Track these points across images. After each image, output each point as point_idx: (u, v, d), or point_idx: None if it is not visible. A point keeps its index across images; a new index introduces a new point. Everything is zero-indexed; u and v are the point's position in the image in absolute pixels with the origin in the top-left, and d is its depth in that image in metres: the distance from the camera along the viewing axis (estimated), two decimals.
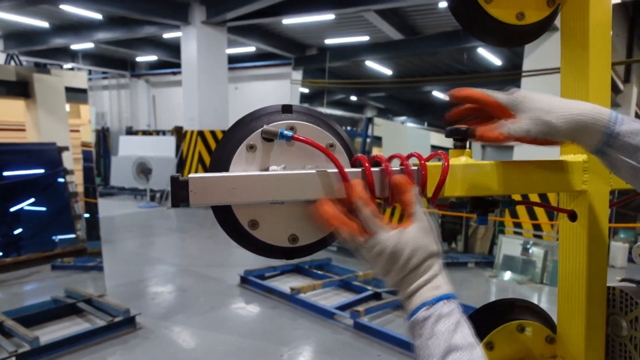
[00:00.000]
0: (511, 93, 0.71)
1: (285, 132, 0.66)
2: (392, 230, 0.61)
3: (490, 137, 0.70)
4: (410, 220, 0.62)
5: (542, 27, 0.84)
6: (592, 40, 0.79)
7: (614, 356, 0.82)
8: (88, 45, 14.01)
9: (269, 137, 0.67)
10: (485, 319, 0.86)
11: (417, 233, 0.61)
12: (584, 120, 0.66)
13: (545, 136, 0.68)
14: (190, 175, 0.64)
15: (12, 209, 3.82)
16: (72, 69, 15.21)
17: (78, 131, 4.24)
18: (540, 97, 0.69)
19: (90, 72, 17.37)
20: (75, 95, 4.24)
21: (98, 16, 11.42)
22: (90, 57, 16.42)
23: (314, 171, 0.66)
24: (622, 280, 0.84)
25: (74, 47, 14.69)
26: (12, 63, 4.74)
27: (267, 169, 0.68)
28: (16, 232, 3.83)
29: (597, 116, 0.66)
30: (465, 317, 0.59)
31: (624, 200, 0.83)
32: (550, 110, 0.68)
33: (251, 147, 0.68)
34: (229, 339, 3.55)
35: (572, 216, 0.81)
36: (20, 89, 3.93)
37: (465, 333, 0.56)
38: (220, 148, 0.69)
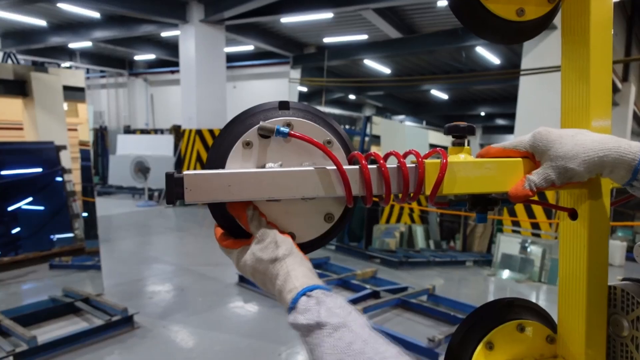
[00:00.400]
0: (533, 135, 0.72)
1: (282, 129, 0.65)
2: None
3: (521, 197, 0.71)
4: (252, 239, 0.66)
5: (543, 24, 0.83)
6: (593, 38, 0.78)
7: (615, 356, 0.81)
8: (86, 43, 13.99)
9: (265, 134, 0.66)
10: (485, 318, 0.85)
11: (254, 249, 0.65)
12: (609, 161, 0.66)
13: (570, 181, 0.70)
14: (185, 172, 0.62)
15: (10, 208, 3.80)
16: (69, 67, 15.18)
17: (76, 130, 4.22)
18: (562, 140, 0.69)
19: (88, 70, 17.35)
20: (73, 93, 4.22)
21: (96, 15, 11.40)
22: (88, 56, 16.40)
23: (311, 168, 0.65)
24: (623, 279, 0.83)
25: (72, 45, 14.67)
26: (10, 61, 4.73)
27: (263, 166, 0.66)
28: (14, 231, 3.81)
29: (622, 154, 0.65)
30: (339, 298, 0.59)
31: (624, 199, 0.83)
32: (573, 155, 0.68)
33: (247, 144, 0.66)
34: (227, 338, 3.54)
35: (573, 215, 0.80)
36: (18, 87, 3.91)
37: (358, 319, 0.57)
38: (217, 145, 0.68)
